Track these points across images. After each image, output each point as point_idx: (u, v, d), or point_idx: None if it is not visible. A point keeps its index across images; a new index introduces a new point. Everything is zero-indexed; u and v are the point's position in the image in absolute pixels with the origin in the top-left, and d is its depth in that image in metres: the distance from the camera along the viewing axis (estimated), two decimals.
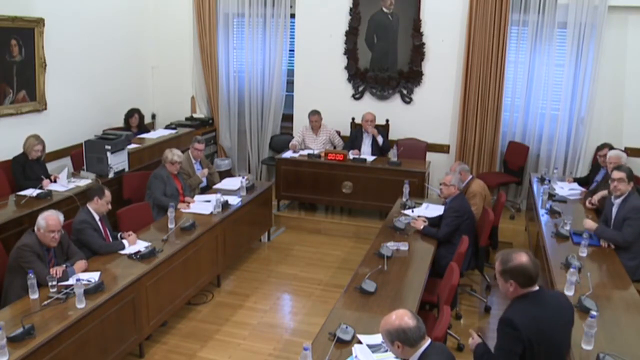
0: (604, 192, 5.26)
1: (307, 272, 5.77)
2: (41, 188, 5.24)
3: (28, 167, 5.52)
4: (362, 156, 6.80)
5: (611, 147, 5.83)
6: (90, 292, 3.63)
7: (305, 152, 7.01)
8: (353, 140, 7.15)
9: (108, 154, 5.76)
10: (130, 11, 7.68)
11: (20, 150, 5.55)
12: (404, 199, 5.64)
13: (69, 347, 3.39)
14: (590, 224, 4.58)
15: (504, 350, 2.65)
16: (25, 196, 5.11)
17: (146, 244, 4.45)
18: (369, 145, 7.06)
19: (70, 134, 6.61)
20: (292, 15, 7.74)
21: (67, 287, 3.65)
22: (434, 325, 3.79)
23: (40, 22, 6.09)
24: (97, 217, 4.45)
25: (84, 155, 5.86)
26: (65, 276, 3.78)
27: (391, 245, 4.47)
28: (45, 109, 6.34)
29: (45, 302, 3.52)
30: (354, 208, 7.05)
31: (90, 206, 4.44)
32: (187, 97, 8.31)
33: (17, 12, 5.83)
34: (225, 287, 5.42)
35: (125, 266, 4.13)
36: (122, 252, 4.33)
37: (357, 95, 7.65)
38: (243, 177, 6.03)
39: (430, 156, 7.18)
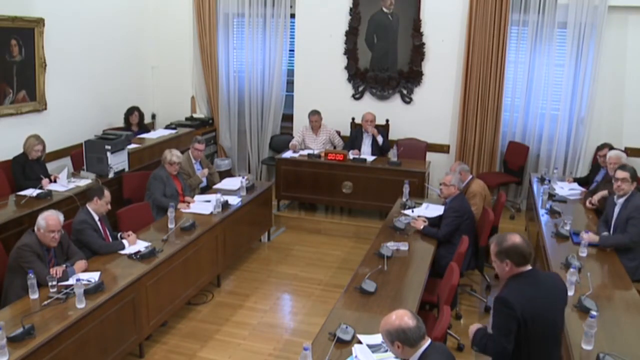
0: (604, 193, 5.26)
1: (307, 272, 5.77)
2: (41, 188, 5.24)
3: (28, 167, 5.52)
4: (362, 156, 6.80)
5: (611, 147, 5.83)
6: (90, 292, 3.63)
7: (305, 152, 7.01)
8: (353, 140, 7.15)
9: (108, 154, 5.76)
10: (130, 11, 7.68)
11: (20, 150, 5.55)
12: (404, 199, 5.64)
13: (69, 347, 3.39)
14: (591, 237, 4.40)
15: (499, 328, 2.75)
16: (25, 196, 5.11)
17: (146, 244, 4.45)
18: (369, 145, 7.06)
19: (70, 134, 6.62)
20: (292, 15, 7.74)
21: (67, 287, 3.65)
22: (434, 325, 3.80)
23: (40, 22, 6.09)
24: (96, 217, 4.44)
25: (84, 155, 5.86)
26: (65, 276, 3.78)
27: (391, 245, 4.47)
28: (45, 109, 6.34)
29: (45, 302, 3.52)
30: (354, 208, 7.05)
31: (89, 206, 4.44)
32: (187, 97, 8.31)
33: (17, 12, 5.83)
34: (225, 287, 5.42)
35: (125, 266, 4.13)
36: (122, 252, 4.33)
37: (357, 95, 7.65)
38: (243, 177, 6.03)
39: (430, 156, 7.18)
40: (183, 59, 8.18)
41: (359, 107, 7.49)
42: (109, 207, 4.54)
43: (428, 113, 7.40)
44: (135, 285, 3.99)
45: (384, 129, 7.26)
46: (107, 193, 4.50)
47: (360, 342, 3.17)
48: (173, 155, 5.57)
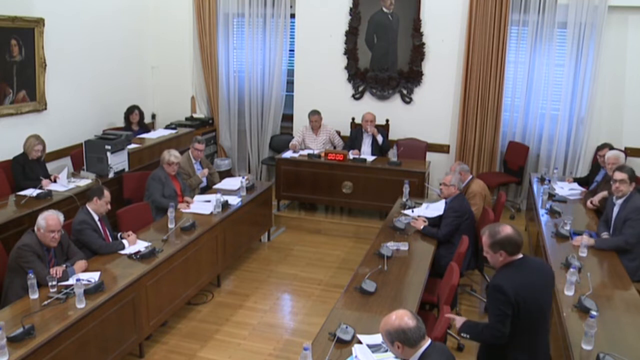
0: (605, 193, 5.26)
1: (307, 272, 5.77)
2: (41, 188, 5.24)
3: (28, 167, 5.52)
4: (362, 156, 6.80)
5: (611, 147, 5.83)
6: (90, 292, 3.63)
7: (305, 152, 7.01)
8: (353, 140, 7.15)
9: (108, 154, 5.76)
10: (130, 11, 7.68)
11: (20, 150, 5.56)
12: (404, 199, 5.64)
13: (69, 347, 3.39)
14: (587, 240, 4.38)
15: (496, 314, 2.88)
16: (25, 196, 5.11)
17: (146, 244, 4.45)
18: (369, 145, 7.06)
19: (70, 134, 6.62)
20: (292, 15, 7.74)
21: (67, 287, 3.65)
22: (434, 325, 3.80)
23: (40, 22, 6.09)
24: (96, 218, 4.44)
25: (84, 155, 5.86)
26: (65, 276, 3.78)
27: (391, 245, 4.47)
28: (45, 109, 6.34)
29: (45, 302, 3.52)
30: (354, 208, 7.05)
31: (89, 206, 4.44)
32: (187, 97, 8.31)
33: (17, 12, 5.83)
34: (225, 287, 5.42)
35: (125, 266, 4.13)
36: (122, 252, 4.33)
37: (357, 95, 7.65)
38: (243, 177, 6.03)
39: (430, 156, 7.18)
40: (183, 59, 8.18)
41: (359, 107, 7.49)
42: (109, 207, 4.53)
43: (428, 113, 7.40)
44: (135, 285, 3.99)
45: (384, 129, 7.26)
46: (107, 193, 4.50)
47: (360, 342, 3.17)
48: (171, 155, 5.57)
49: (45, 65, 6.24)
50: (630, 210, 4.41)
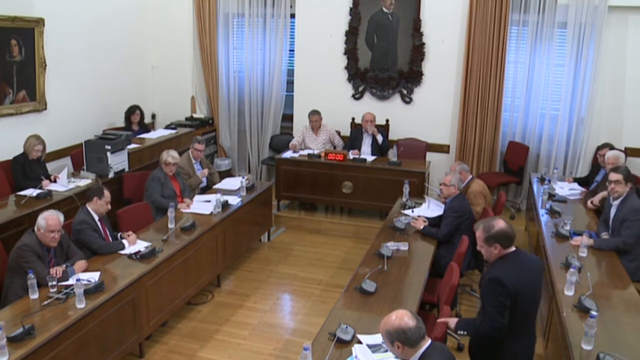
0: (605, 193, 5.25)
1: (307, 272, 5.77)
2: (41, 188, 5.24)
3: (28, 167, 5.52)
4: (362, 156, 6.80)
5: (612, 147, 5.83)
6: (90, 292, 3.63)
7: (305, 152, 7.01)
8: (353, 140, 7.15)
9: (108, 154, 5.76)
10: (130, 11, 7.69)
11: (20, 150, 5.55)
12: (404, 199, 5.64)
13: (69, 347, 3.39)
14: (587, 241, 4.37)
15: (495, 306, 2.94)
16: (25, 196, 5.11)
17: (146, 244, 4.45)
18: (369, 145, 7.06)
19: (70, 134, 6.62)
20: (292, 15, 7.74)
21: (67, 287, 3.65)
22: (434, 326, 3.80)
23: (40, 22, 6.09)
24: (96, 218, 4.44)
25: (84, 155, 5.86)
26: (65, 276, 3.78)
27: (391, 245, 4.47)
28: (45, 109, 6.34)
29: (45, 302, 3.52)
30: (354, 208, 7.05)
31: (89, 206, 4.44)
32: (187, 97, 8.31)
33: (17, 12, 5.83)
34: (225, 287, 5.42)
35: (125, 266, 4.13)
36: (122, 252, 4.33)
37: (357, 95, 7.65)
38: (243, 177, 6.03)
39: (430, 156, 7.18)
40: (183, 59, 8.18)
41: (359, 107, 7.49)
42: (109, 207, 4.53)
43: (428, 113, 7.40)
44: (135, 285, 3.99)
45: (384, 129, 7.26)
46: (107, 193, 4.50)
47: (360, 342, 3.17)
48: (169, 156, 5.56)
49: (45, 65, 6.24)
50: (628, 211, 4.40)
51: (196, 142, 6.23)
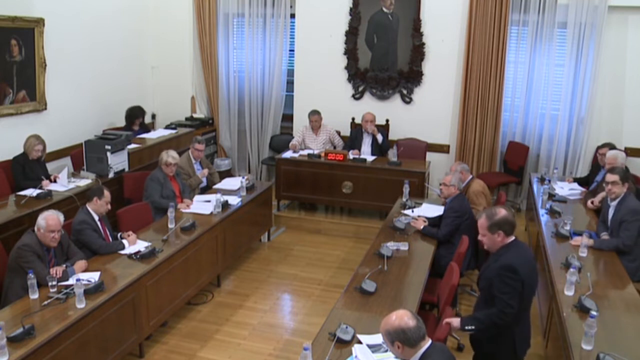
0: (605, 194, 5.25)
1: (307, 272, 5.77)
2: (41, 188, 5.24)
3: (28, 167, 5.52)
4: (362, 156, 6.80)
5: (612, 147, 5.83)
6: (90, 292, 3.63)
7: (305, 152, 7.01)
8: (353, 140, 7.15)
9: (108, 154, 5.76)
10: (130, 11, 7.68)
11: (21, 151, 5.55)
12: (404, 199, 5.64)
13: (69, 347, 3.39)
14: (587, 241, 4.37)
15: (508, 292, 3.05)
16: (25, 196, 5.11)
17: (146, 244, 4.45)
18: (369, 145, 7.06)
19: (70, 134, 6.62)
20: (292, 15, 7.74)
21: (67, 287, 3.65)
22: (435, 325, 3.80)
23: (40, 22, 6.09)
24: (96, 218, 4.44)
25: (84, 155, 5.86)
26: (65, 276, 3.78)
27: (391, 245, 4.47)
28: (45, 109, 6.34)
29: (45, 302, 3.52)
30: (354, 208, 7.05)
31: (89, 206, 4.44)
32: (187, 97, 8.31)
33: (17, 12, 5.83)
34: (225, 287, 5.42)
35: (125, 266, 4.13)
36: (122, 252, 4.33)
37: (357, 95, 7.65)
38: (243, 177, 6.03)
39: (430, 156, 7.18)
40: (183, 59, 8.18)
41: (359, 107, 7.49)
42: (109, 207, 4.53)
43: (428, 113, 7.40)
44: (135, 285, 3.99)
45: (384, 129, 7.26)
46: (107, 193, 4.50)
47: (360, 342, 3.17)
48: (169, 156, 5.56)
49: (45, 65, 6.24)
50: (625, 212, 4.39)
51: (196, 142, 6.23)
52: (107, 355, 3.77)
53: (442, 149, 7.44)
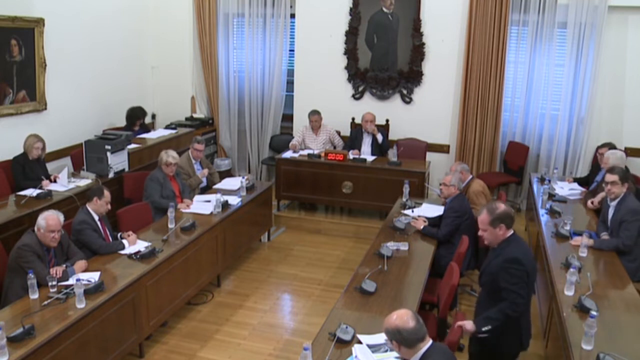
0: (604, 194, 5.25)
1: (307, 272, 5.77)
2: (41, 188, 5.24)
3: (28, 167, 5.52)
4: (362, 156, 6.80)
5: (612, 147, 5.83)
6: (90, 292, 3.63)
7: (305, 152, 7.01)
8: (353, 140, 7.15)
9: (108, 154, 5.76)
10: (130, 11, 7.69)
11: (21, 151, 5.55)
12: (404, 199, 5.64)
13: (69, 347, 3.39)
14: (587, 241, 4.37)
15: (517, 283, 3.13)
16: (25, 196, 5.11)
17: (146, 244, 4.45)
18: (369, 145, 7.06)
19: (70, 134, 6.62)
20: (292, 15, 7.74)
21: (67, 287, 3.65)
22: (435, 325, 3.80)
23: (40, 22, 6.09)
24: (96, 218, 4.44)
25: (84, 155, 5.86)
26: (65, 276, 3.78)
27: (391, 245, 4.47)
28: (45, 109, 6.34)
29: (45, 302, 3.52)
30: (354, 208, 7.05)
31: (89, 206, 4.44)
32: (187, 97, 8.31)
33: (17, 12, 5.83)
34: (225, 287, 5.42)
35: (125, 266, 4.13)
36: (122, 252, 4.33)
37: (357, 95, 7.65)
38: (243, 177, 6.03)
39: (430, 156, 7.18)
40: (183, 59, 8.18)
41: (359, 107, 7.49)
42: (109, 207, 4.53)
43: (428, 113, 7.40)
44: (135, 285, 3.99)
45: (384, 129, 7.26)
46: (107, 193, 4.50)
47: (360, 342, 3.17)
48: (169, 156, 5.56)
49: (45, 65, 6.24)
50: (625, 213, 4.39)
51: (196, 142, 6.23)
52: (107, 355, 3.77)
53: (442, 149, 7.44)
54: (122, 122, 7.22)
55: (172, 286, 4.50)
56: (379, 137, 7.01)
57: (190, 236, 4.76)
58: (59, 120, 6.52)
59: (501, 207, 3.26)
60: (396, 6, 7.21)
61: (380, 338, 3.16)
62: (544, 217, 5.21)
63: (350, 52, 7.50)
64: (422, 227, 4.90)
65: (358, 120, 7.38)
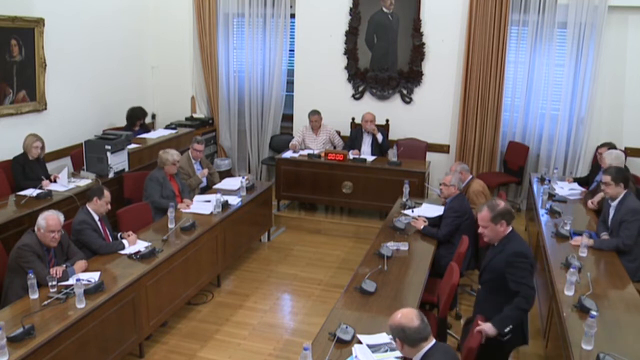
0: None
1: (307, 272, 5.77)
2: (41, 188, 5.24)
3: (28, 167, 5.52)
4: (362, 156, 6.80)
5: (611, 146, 5.83)
6: (90, 292, 3.63)
7: (305, 152, 7.01)
8: (353, 140, 7.15)
9: (108, 154, 5.76)
10: (130, 11, 7.69)
11: (20, 151, 5.55)
12: (404, 199, 5.64)
13: (69, 347, 3.39)
14: (587, 241, 4.36)
15: (525, 276, 3.23)
16: (25, 196, 5.11)
17: (146, 244, 4.45)
18: (368, 145, 7.06)
19: (70, 134, 6.62)
20: (292, 15, 7.74)
21: (67, 287, 3.65)
22: (435, 325, 3.80)
23: (40, 22, 6.09)
24: (96, 218, 4.44)
25: (84, 155, 5.86)
26: (65, 276, 3.78)
27: (391, 245, 4.47)
28: (45, 109, 6.34)
29: (45, 302, 3.52)
30: (354, 208, 7.05)
31: (89, 206, 4.44)
32: (187, 97, 8.31)
33: (17, 12, 5.83)
34: (225, 287, 5.42)
35: (125, 266, 4.13)
36: (122, 252, 4.33)
37: (357, 95, 7.65)
38: (243, 177, 6.03)
39: (430, 156, 7.18)
40: (183, 59, 8.18)
41: (359, 107, 7.49)
42: (109, 207, 4.53)
43: (428, 113, 7.40)
44: (135, 285, 3.99)
45: (384, 129, 7.26)
46: (107, 193, 4.50)
47: (360, 342, 3.17)
48: (172, 154, 5.57)
49: (45, 65, 6.24)
50: (625, 212, 4.39)
51: (195, 142, 6.23)
52: (107, 355, 3.77)
53: (442, 149, 7.44)
54: (122, 122, 7.23)
55: (172, 286, 4.50)
56: (379, 137, 7.01)
57: (190, 236, 4.76)
58: (59, 120, 6.52)
59: (501, 204, 3.33)
60: (396, 6, 7.21)
61: (380, 338, 3.16)
62: (544, 217, 5.21)
63: (350, 52, 7.50)
64: (422, 227, 4.90)
65: (358, 120, 7.38)
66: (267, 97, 8.03)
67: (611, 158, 5.26)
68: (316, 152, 6.90)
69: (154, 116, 8.31)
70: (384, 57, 7.41)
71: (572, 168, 7.03)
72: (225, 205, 5.40)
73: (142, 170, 6.17)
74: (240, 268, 5.81)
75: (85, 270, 3.99)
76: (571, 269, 3.75)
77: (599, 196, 5.33)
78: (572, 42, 6.72)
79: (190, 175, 6.16)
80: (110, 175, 5.81)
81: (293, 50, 7.86)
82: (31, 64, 6.11)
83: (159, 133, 7.17)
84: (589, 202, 5.47)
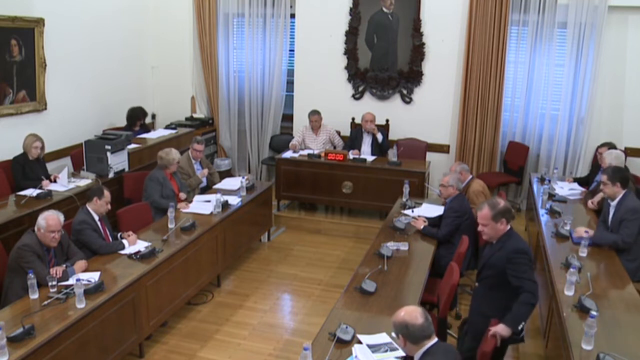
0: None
1: (307, 272, 5.77)
2: (41, 188, 5.24)
3: (28, 167, 5.52)
4: (362, 156, 6.80)
5: (611, 146, 5.82)
6: (90, 292, 3.63)
7: (305, 152, 7.01)
8: (353, 140, 7.15)
9: (108, 154, 5.76)
10: (131, 11, 7.69)
11: (20, 151, 5.55)
12: (404, 199, 5.64)
13: (69, 347, 3.39)
14: (583, 232, 4.44)
15: (527, 272, 3.27)
16: (25, 196, 5.11)
17: (146, 244, 4.45)
18: (368, 145, 7.06)
19: (70, 134, 6.62)
20: (292, 15, 7.75)
21: (67, 287, 3.65)
22: (435, 325, 3.79)
23: (40, 22, 6.09)
24: (96, 218, 4.44)
25: (84, 155, 5.86)
26: (65, 276, 3.78)
27: (391, 245, 4.47)
28: (45, 109, 6.34)
29: (45, 302, 3.52)
30: (354, 208, 7.05)
31: (89, 206, 4.44)
32: (187, 97, 8.31)
33: (17, 12, 5.83)
34: (225, 287, 5.42)
35: (125, 266, 4.13)
36: (122, 252, 4.33)
37: (357, 95, 7.65)
38: (243, 177, 6.03)
39: (430, 156, 7.18)
40: (183, 59, 8.18)
41: (359, 107, 7.50)
42: (109, 207, 4.53)
43: (428, 113, 7.40)
44: (135, 285, 3.99)
45: (384, 129, 7.27)
46: (107, 193, 4.50)
47: (360, 342, 3.17)
48: (173, 153, 5.58)
49: (45, 65, 6.24)
50: (625, 211, 4.40)
51: (195, 142, 6.24)
52: (107, 355, 3.77)
53: (442, 149, 7.44)
54: (122, 122, 7.23)
55: (172, 286, 4.50)
56: (379, 137, 7.01)
57: (190, 236, 4.76)
58: (59, 120, 6.52)
59: (501, 203, 3.36)
60: (396, 6, 7.21)
61: (380, 338, 3.17)
62: (544, 217, 5.21)
63: (350, 52, 7.50)
64: (422, 227, 4.91)
65: (358, 120, 7.38)
66: (267, 97, 8.03)
67: (611, 158, 5.26)
68: (316, 152, 6.91)
69: (154, 116, 8.31)
70: (384, 57, 7.41)
71: (572, 168, 7.03)
72: (225, 205, 5.40)
73: (142, 170, 6.17)
74: (240, 268, 5.81)
75: (85, 270, 3.99)
76: (571, 269, 3.75)
77: (599, 196, 5.33)
78: (572, 42, 6.72)
79: (190, 175, 6.16)
80: (110, 175, 5.82)
81: (293, 50, 7.86)
82: (31, 64, 6.11)
83: (159, 133, 7.17)
84: (589, 202, 5.47)
